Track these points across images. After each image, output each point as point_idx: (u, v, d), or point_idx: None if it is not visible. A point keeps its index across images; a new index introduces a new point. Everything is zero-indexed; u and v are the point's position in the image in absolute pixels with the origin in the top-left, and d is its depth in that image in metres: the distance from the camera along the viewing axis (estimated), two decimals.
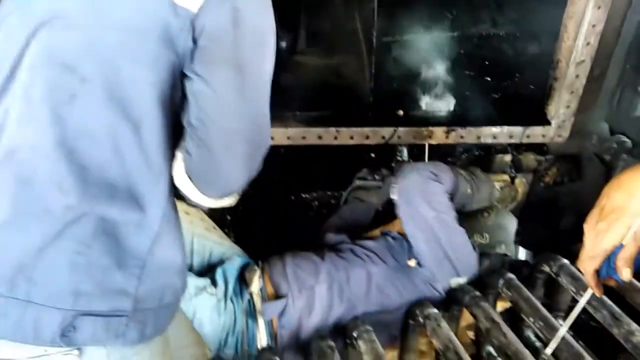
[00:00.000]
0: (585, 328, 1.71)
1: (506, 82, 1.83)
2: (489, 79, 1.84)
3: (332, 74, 1.89)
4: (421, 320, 1.31)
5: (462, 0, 1.72)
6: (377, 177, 1.81)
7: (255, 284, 1.44)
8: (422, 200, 1.43)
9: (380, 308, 1.44)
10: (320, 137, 1.81)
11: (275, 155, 2.00)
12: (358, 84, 1.86)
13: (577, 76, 1.68)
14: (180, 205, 1.64)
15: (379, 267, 1.49)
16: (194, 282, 1.39)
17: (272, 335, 1.41)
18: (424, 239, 1.45)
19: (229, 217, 2.04)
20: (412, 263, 1.50)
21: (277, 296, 1.45)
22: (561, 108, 1.74)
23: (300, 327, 1.42)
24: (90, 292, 0.76)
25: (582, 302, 1.06)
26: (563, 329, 1.12)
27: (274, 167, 2.07)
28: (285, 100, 1.85)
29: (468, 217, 1.66)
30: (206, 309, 1.37)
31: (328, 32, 1.82)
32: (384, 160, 1.96)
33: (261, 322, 1.40)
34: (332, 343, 1.27)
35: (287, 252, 1.58)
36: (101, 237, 0.77)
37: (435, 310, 1.31)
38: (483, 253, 1.59)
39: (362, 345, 1.25)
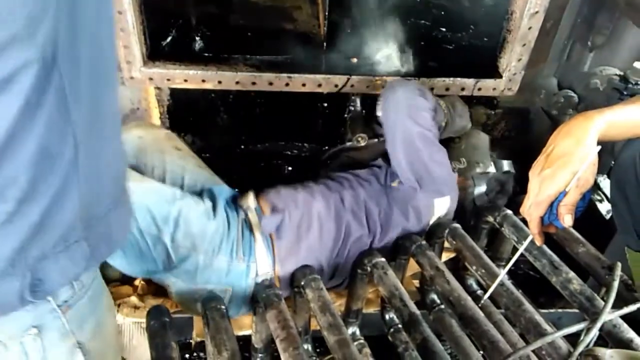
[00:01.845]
0: (525, 276, 1.80)
1: (460, 33, 1.81)
2: (443, 29, 1.81)
3: (285, 18, 1.80)
4: (368, 269, 1.31)
5: None
6: (360, 139, 1.76)
7: (250, 200, 1.43)
8: (407, 115, 1.41)
9: (367, 230, 1.45)
10: (271, 84, 1.73)
11: (224, 101, 1.95)
12: (311, 29, 1.79)
13: (529, 28, 1.67)
14: (171, 142, 1.60)
15: (366, 189, 1.51)
16: (177, 189, 1.36)
17: (271, 248, 1.39)
18: (405, 154, 1.44)
19: None
20: (395, 184, 1.51)
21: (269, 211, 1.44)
22: (513, 61, 1.74)
23: (299, 242, 1.40)
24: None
25: (522, 248, 1.09)
26: (502, 273, 1.15)
27: (222, 114, 2.02)
28: (235, 43, 1.76)
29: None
30: (193, 210, 1.33)
31: None
32: (337, 111, 1.92)
33: (259, 235, 1.38)
34: (278, 291, 1.25)
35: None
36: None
37: (382, 259, 1.32)
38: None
39: (309, 293, 1.25)
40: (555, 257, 1.26)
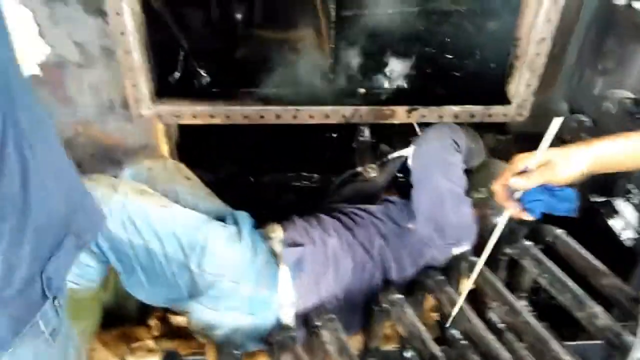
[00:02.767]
0: (547, 307, 1.75)
1: (467, 60, 1.80)
2: (450, 56, 1.80)
3: (291, 50, 1.80)
4: (386, 306, 1.28)
5: None
6: (370, 170, 1.75)
7: (277, 230, 1.42)
8: (439, 170, 1.41)
9: (381, 269, 1.42)
10: (279, 117, 1.72)
11: (231, 133, 1.94)
12: (317, 60, 1.78)
13: (537, 54, 1.65)
14: (181, 172, 1.59)
15: (380, 228, 1.48)
16: (202, 214, 1.35)
17: (293, 281, 1.35)
18: (430, 205, 1.42)
19: None
20: (411, 226, 1.48)
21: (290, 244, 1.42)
22: (522, 87, 1.72)
23: (317, 277, 1.37)
24: None
25: (501, 224, 1.06)
26: (480, 262, 1.12)
27: (230, 146, 2.01)
28: (242, 77, 1.75)
29: None
30: (220, 235, 1.32)
31: (285, 4, 1.72)
32: (345, 141, 1.90)
33: (283, 266, 1.35)
34: (293, 334, 1.22)
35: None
36: None
37: (400, 297, 1.29)
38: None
39: (325, 334, 1.21)
40: (579, 290, 1.22)
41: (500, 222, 1.05)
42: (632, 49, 1.65)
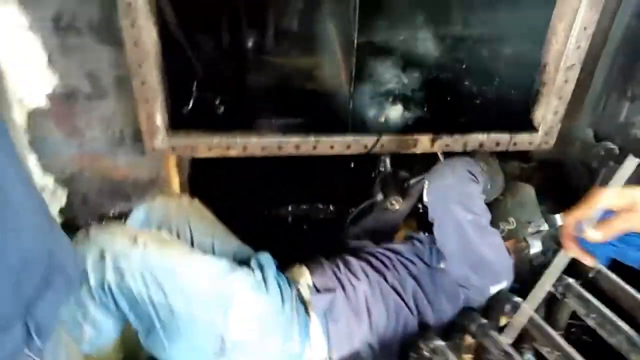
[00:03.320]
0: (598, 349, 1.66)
1: (490, 86, 1.74)
2: (472, 83, 1.74)
3: (308, 77, 1.74)
4: (427, 354, 1.19)
5: (447, 2, 1.61)
6: (395, 203, 1.66)
7: (304, 274, 1.33)
8: (458, 203, 1.32)
9: (417, 313, 1.34)
10: (298, 147, 1.65)
11: (246, 165, 1.86)
12: (338, 88, 1.72)
13: (565, 81, 1.61)
14: (195, 209, 1.51)
15: (411, 270, 1.39)
16: (226, 261, 1.25)
17: (326, 331, 1.26)
18: (457, 243, 1.32)
19: None
20: (443, 266, 1.39)
21: (319, 290, 1.34)
22: (549, 114, 1.67)
23: (351, 326, 1.28)
24: None
25: (559, 265, 0.97)
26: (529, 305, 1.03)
27: (244, 179, 1.92)
28: (259, 107, 1.68)
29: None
30: (246, 285, 1.22)
31: (304, 31, 1.66)
32: (363, 171, 1.83)
33: (314, 315, 1.26)
34: None
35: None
36: None
37: (442, 343, 1.21)
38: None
39: None
40: (631, 332, 1.14)
41: (558, 263, 0.97)
42: None
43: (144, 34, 1.36)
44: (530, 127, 1.73)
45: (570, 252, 0.90)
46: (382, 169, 1.77)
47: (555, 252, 1.55)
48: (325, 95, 1.72)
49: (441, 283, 1.36)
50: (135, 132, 1.57)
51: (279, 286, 1.27)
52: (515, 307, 1.26)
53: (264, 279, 1.26)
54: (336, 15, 1.58)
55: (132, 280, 1.10)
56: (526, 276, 1.52)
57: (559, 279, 1.31)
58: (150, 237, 1.21)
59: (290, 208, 1.92)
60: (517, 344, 1.45)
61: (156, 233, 1.29)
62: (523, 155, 1.90)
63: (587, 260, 0.89)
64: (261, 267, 1.31)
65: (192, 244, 1.41)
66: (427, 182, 1.41)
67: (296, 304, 1.26)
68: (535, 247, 1.50)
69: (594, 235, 0.80)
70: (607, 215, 0.82)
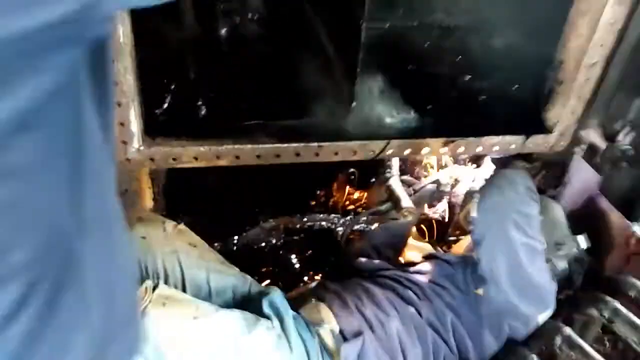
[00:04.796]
0: None
1: (499, 85, 1.61)
2: (481, 82, 1.61)
3: (307, 75, 1.51)
4: None
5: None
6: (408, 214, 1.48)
7: (328, 317, 1.13)
8: (514, 224, 1.16)
9: (457, 351, 1.19)
10: (298, 155, 1.43)
11: (229, 174, 1.61)
12: (339, 86, 1.51)
13: (587, 79, 1.50)
14: (183, 237, 1.26)
15: (445, 299, 1.22)
16: (240, 315, 1.02)
17: None
18: (507, 266, 1.18)
19: None
20: (480, 292, 1.24)
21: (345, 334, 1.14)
22: (565, 114, 1.56)
23: None
24: None
25: None
26: None
27: (228, 190, 1.68)
28: (253, 108, 1.44)
29: None
30: (268, 347, 1.01)
31: (303, 20, 1.43)
32: (367, 177, 1.65)
33: None
34: None
35: (327, 282, 1.29)
36: None
37: None
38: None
39: None
40: None
41: None
42: None
43: (119, 25, 1.08)
44: (542, 127, 1.62)
45: None
46: (387, 174, 1.59)
47: (579, 275, 1.47)
48: (325, 93, 1.50)
49: (483, 313, 1.21)
50: None
51: (302, 338, 1.07)
52: (569, 341, 1.14)
53: (284, 331, 1.05)
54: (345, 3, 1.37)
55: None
56: None
57: (603, 302, 1.20)
58: (153, 298, 0.97)
59: (282, 219, 1.69)
60: None
61: (159, 291, 1.03)
62: (526, 155, 1.80)
63: None
64: (277, 312, 1.10)
65: (183, 283, 1.17)
66: (478, 197, 1.25)
67: (322, 357, 1.07)
68: (561, 269, 1.39)
69: None
70: None
